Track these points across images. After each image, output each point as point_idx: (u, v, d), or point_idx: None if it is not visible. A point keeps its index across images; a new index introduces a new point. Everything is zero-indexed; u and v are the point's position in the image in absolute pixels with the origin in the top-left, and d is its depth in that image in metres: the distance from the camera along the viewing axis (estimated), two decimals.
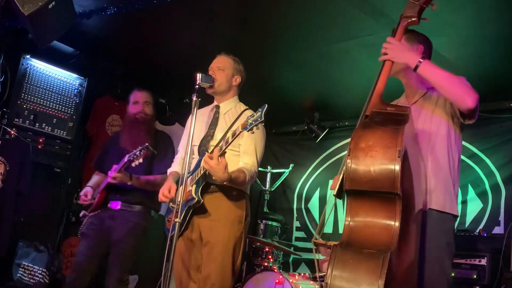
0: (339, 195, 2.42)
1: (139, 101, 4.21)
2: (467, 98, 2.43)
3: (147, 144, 3.74)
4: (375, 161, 2.15)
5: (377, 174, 2.14)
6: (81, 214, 4.23)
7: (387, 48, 2.57)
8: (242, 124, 2.85)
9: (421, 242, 2.51)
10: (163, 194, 3.19)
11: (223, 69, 3.35)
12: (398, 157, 2.12)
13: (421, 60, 2.49)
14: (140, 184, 3.96)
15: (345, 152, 6.86)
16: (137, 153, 3.73)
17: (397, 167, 2.12)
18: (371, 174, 2.15)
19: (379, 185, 2.14)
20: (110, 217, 4.01)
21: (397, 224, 2.13)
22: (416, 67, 2.50)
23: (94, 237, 3.99)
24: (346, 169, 2.19)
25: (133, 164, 3.79)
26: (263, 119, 2.78)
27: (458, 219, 2.75)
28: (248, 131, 2.82)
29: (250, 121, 2.81)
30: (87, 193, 4.11)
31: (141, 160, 3.75)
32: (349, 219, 2.22)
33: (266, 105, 2.80)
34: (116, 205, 4.02)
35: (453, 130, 2.67)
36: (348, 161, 2.19)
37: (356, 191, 2.21)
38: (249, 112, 3.24)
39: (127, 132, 4.18)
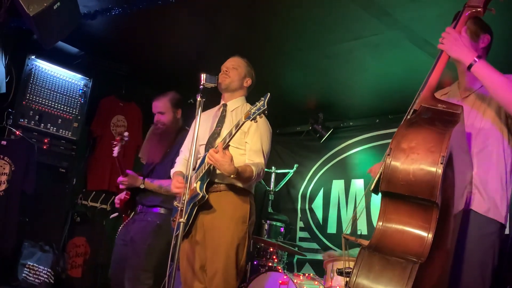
0: (375, 190, 2.26)
1: (155, 112, 4.28)
2: None
3: (125, 133, 4.21)
4: (416, 165, 2.00)
5: (416, 178, 2.00)
6: (111, 217, 4.46)
7: (444, 38, 2.38)
8: (245, 114, 2.88)
9: (460, 244, 2.35)
10: (176, 186, 3.18)
11: (236, 67, 3.42)
12: (441, 163, 1.96)
13: (476, 60, 2.31)
14: (154, 188, 4.05)
15: (350, 152, 6.83)
16: (113, 144, 4.15)
17: (439, 174, 1.95)
18: (409, 178, 2.01)
19: (416, 191, 2.00)
20: (132, 221, 4.17)
21: (430, 235, 2.00)
22: (470, 66, 2.32)
23: (120, 245, 4.14)
24: (385, 169, 2.06)
25: (114, 154, 4.15)
26: (266, 107, 2.80)
27: None
28: (251, 120, 2.84)
29: (253, 110, 2.84)
30: (121, 196, 4.26)
31: (117, 148, 4.16)
32: (381, 222, 2.10)
33: (269, 94, 2.83)
34: (137, 208, 4.19)
35: (506, 131, 2.48)
36: (388, 160, 2.05)
37: (392, 194, 2.08)
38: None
39: (146, 144, 4.33)
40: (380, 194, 2.16)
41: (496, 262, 2.44)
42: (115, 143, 4.21)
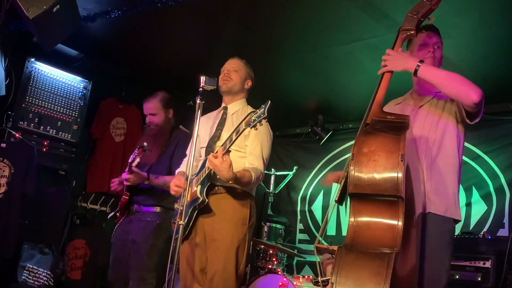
0: (340, 201, 2.43)
1: (146, 114, 4.30)
2: (470, 93, 2.46)
3: (144, 144, 3.95)
4: (378, 166, 2.18)
5: (380, 178, 2.17)
6: (109, 216, 4.37)
7: (386, 60, 2.64)
8: (245, 121, 2.87)
9: (421, 243, 2.56)
10: (175, 184, 3.19)
11: (237, 70, 3.41)
12: (401, 161, 2.14)
13: (419, 64, 2.53)
14: (158, 184, 4.02)
15: (349, 154, 6.88)
16: (134, 154, 3.92)
17: (400, 171, 2.14)
18: (374, 178, 2.17)
19: (382, 189, 2.17)
20: (128, 221, 4.14)
21: (400, 223, 2.16)
22: (416, 71, 2.54)
23: (118, 245, 4.14)
24: (350, 174, 2.21)
25: (133, 165, 3.92)
26: (266, 115, 2.80)
27: (463, 221, 2.78)
28: (251, 127, 2.84)
29: (253, 117, 2.83)
30: (115, 180, 4.18)
31: (138, 160, 3.93)
32: (352, 220, 2.24)
33: (269, 101, 2.82)
34: (134, 208, 4.15)
35: (460, 135, 2.71)
36: (351, 166, 2.22)
37: (360, 195, 2.23)
38: None
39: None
40: (343, 204, 2.37)
41: (452, 256, 2.68)
42: (136, 154, 3.99)
